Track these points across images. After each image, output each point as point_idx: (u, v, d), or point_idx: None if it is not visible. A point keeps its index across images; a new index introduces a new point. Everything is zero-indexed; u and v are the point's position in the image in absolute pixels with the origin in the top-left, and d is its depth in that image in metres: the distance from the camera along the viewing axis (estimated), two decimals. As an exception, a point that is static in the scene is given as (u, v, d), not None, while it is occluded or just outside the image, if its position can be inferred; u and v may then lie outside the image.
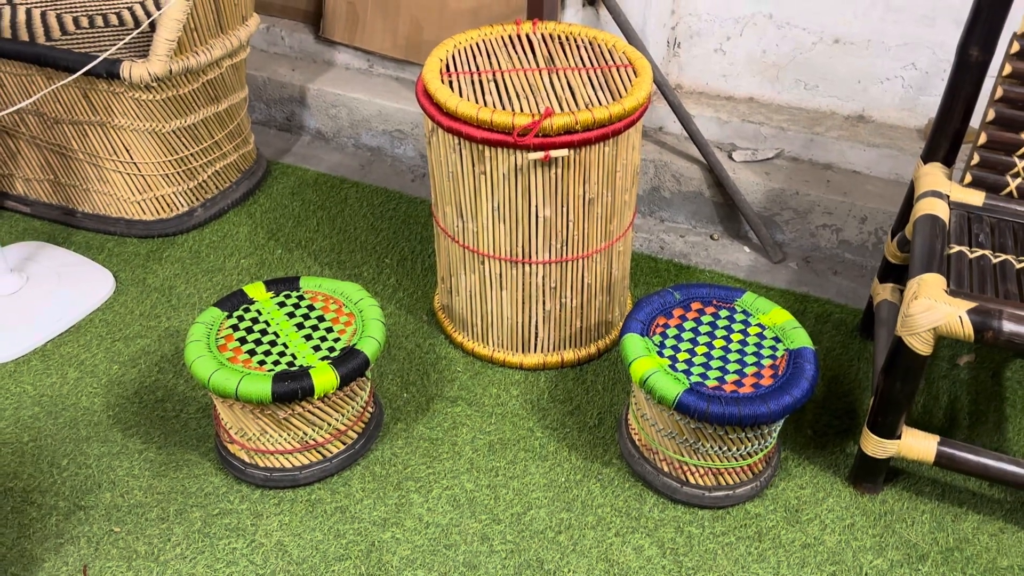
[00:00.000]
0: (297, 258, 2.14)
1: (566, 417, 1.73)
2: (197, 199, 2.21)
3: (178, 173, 2.13)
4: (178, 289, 2.02)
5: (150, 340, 1.89)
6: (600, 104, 1.57)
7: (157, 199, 2.15)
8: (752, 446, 1.49)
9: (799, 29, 2.14)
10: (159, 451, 1.65)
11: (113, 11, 2.19)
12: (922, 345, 1.37)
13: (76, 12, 2.17)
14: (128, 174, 2.10)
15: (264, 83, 2.58)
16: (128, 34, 2.05)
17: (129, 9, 2.20)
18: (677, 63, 2.30)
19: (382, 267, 2.11)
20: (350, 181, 2.42)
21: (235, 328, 1.55)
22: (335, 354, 1.51)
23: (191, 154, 2.13)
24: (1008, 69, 1.51)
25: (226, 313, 1.58)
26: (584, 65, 1.69)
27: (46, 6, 2.19)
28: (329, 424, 1.54)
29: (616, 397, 1.78)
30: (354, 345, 1.52)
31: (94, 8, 2.20)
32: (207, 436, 1.67)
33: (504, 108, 1.56)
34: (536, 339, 1.81)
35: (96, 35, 2.08)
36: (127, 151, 2.07)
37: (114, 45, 1.97)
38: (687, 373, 1.48)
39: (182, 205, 2.18)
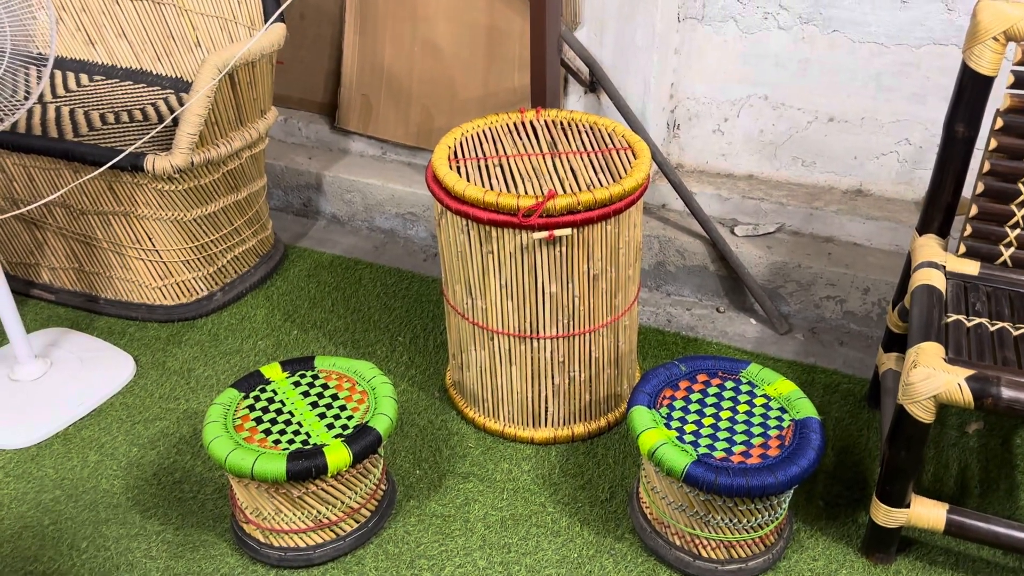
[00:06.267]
0: (313, 338, 2.19)
1: (578, 492, 1.75)
2: (216, 283, 2.28)
3: (198, 259, 2.21)
4: (197, 371, 2.08)
5: (169, 422, 1.93)
6: (601, 185, 1.63)
7: (178, 284, 2.22)
8: (763, 517, 1.50)
9: (794, 109, 2.22)
10: (176, 532, 1.67)
11: (137, 107, 2.31)
12: (924, 413, 1.40)
13: (102, 109, 2.28)
14: (150, 261, 2.18)
15: (282, 171, 2.68)
16: (152, 128, 2.16)
17: (152, 105, 2.32)
18: (678, 144, 2.38)
19: (395, 345, 2.16)
20: (364, 262, 2.49)
21: (251, 408, 1.60)
22: (348, 432, 1.54)
23: (211, 241, 2.21)
24: (994, 144, 1.57)
25: (243, 394, 1.63)
26: (586, 149, 1.76)
27: (75, 104, 2.31)
28: (342, 502, 1.56)
29: (627, 470, 1.80)
30: (367, 422, 1.55)
31: (120, 105, 2.31)
32: (223, 516, 1.70)
33: (509, 191, 1.63)
34: (546, 413, 1.84)
35: (121, 130, 2.18)
36: (149, 239, 2.15)
37: (138, 139, 2.07)
38: (695, 444, 1.50)
39: (202, 290, 2.25)
